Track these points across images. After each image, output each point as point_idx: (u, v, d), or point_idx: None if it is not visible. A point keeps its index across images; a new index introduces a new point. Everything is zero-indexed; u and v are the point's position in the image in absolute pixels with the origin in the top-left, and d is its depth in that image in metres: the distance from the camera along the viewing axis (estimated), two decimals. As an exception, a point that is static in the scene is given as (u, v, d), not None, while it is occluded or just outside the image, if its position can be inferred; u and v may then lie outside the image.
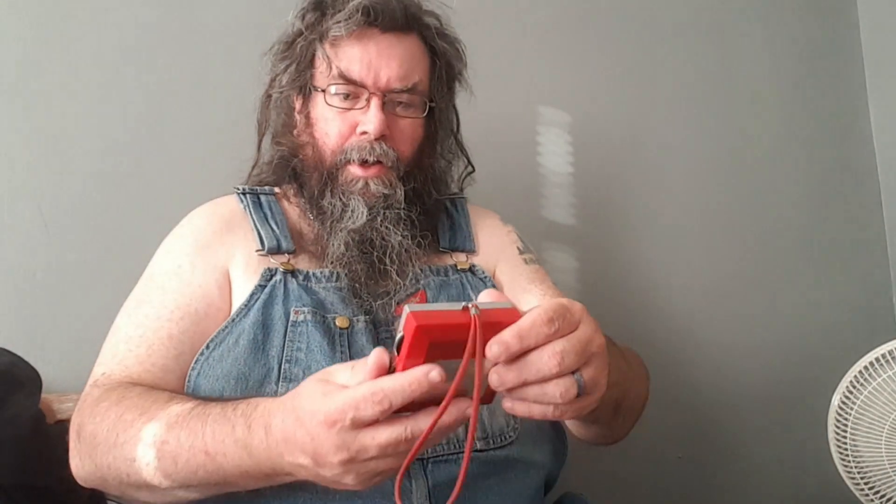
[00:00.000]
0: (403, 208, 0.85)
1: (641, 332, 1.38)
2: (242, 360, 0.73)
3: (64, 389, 1.02)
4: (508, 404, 0.50)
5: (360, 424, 0.48)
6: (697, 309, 1.45)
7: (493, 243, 0.95)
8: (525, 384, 0.48)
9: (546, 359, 0.48)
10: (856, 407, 1.17)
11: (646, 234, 1.45)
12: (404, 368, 0.47)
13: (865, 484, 1.17)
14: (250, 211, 0.87)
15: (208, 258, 0.82)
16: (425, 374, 0.46)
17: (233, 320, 0.77)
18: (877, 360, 1.16)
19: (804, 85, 1.59)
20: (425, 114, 0.88)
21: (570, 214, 1.39)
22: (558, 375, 0.48)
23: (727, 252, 1.49)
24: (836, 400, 1.19)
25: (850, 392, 1.18)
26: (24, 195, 1.14)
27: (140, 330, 0.77)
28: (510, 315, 0.49)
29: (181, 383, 0.76)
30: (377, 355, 0.49)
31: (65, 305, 1.12)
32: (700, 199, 1.49)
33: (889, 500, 1.16)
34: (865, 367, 1.17)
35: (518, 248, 0.95)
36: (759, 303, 1.49)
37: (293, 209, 0.91)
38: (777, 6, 1.59)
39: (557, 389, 0.48)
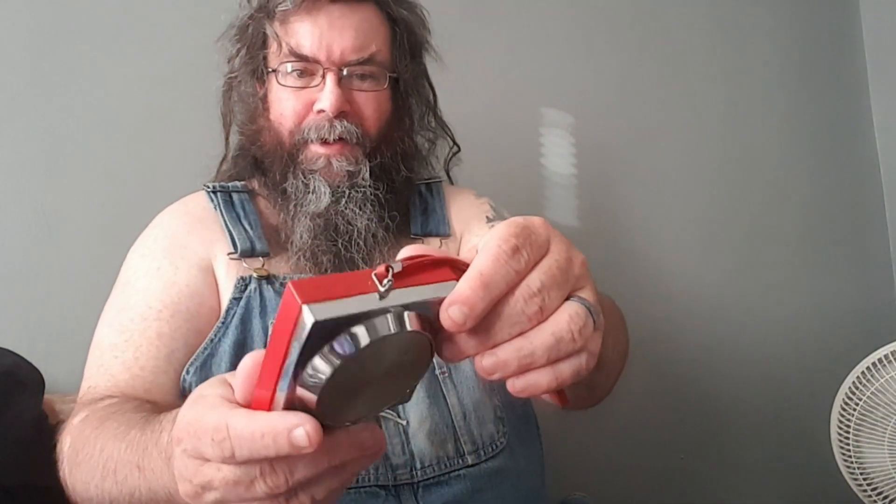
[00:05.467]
0: (370, 186, 0.79)
1: (643, 333, 1.38)
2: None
3: (66, 390, 1.02)
4: (520, 385, 0.33)
5: (201, 456, 0.35)
6: (700, 310, 1.45)
7: (464, 218, 0.89)
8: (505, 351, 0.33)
9: (521, 305, 0.32)
10: (858, 408, 1.17)
11: (648, 236, 1.45)
12: (268, 387, 0.32)
13: (868, 485, 1.17)
14: (221, 210, 0.81)
15: (189, 258, 0.76)
16: (286, 432, 0.31)
17: (211, 340, 0.73)
18: (879, 360, 1.16)
19: (807, 86, 1.59)
20: (387, 86, 0.81)
21: (573, 216, 1.39)
22: (543, 321, 0.33)
23: (730, 253, 1.49)
24: (838, 400, 1.19)
25: (853, 392, 1.17)
26: (26, 196, 1.14)
27: (125, 335, 0.72)
28: (442, 270, 0.33)
29: (175, 384, 0.71)
30: (246, 362, 0.34)
31: (67, 306, 1.12)
32: (703, 200, 1.49)
33: (892, 501, 1.15)
34: (868, 368, 1.16)
35: (487, 217, 0.88)
36: (762, 303, 1.49)
37: (265, 205, 0.85)
38: (780, 7, 1.59)
39: (564, 332, 0.33)
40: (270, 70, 0.80)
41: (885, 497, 1.16)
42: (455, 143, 0.98)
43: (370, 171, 0.79)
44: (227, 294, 0.75)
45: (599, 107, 1.45)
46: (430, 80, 0.92)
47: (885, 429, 1.15)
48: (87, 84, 1.19)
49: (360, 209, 0.78)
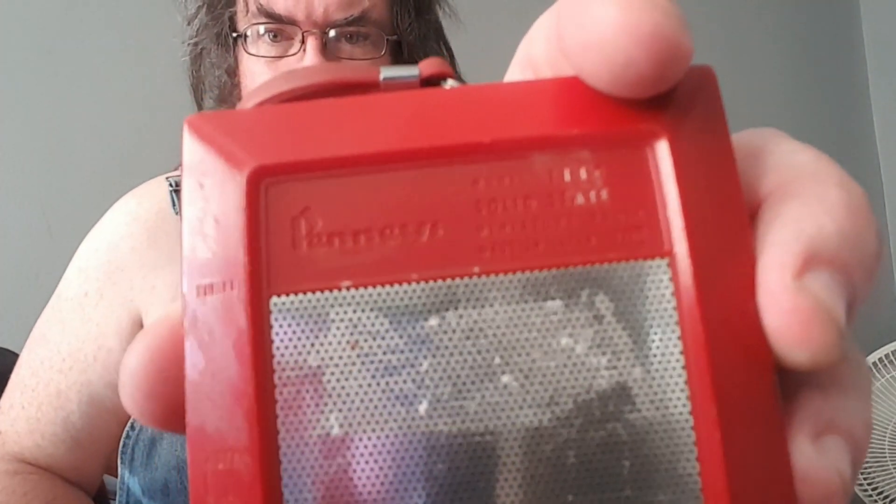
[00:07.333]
0: None
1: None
2: (180, 443, 0.56)
3: (66, 390, 1.02)
4: None
5: None
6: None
7: None
8: None
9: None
10: (859, 408, 1.17)
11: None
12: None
13: (868, 484, 1.17)
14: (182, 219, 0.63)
15: (120, 288, 0.63)
16: None
17: None
18: (880, 360, 1.16)
19: (807, 86, 1.59)
20: (386, 51, 0.64)
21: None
22: None
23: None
24: (838, 401, 1.19)
25: (853, 393, 1.18)
26: (27, 198, 1.14)
27: (34, 380, 0.62)
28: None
29: (75, 459, 0.60)
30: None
31: (67, 306, 1.13)
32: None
33: (892, 501, 1.15)
34: (868, 368, 1.17)
35: None
36: (762, 303, 1.49)
37: None
38: (780, 7, 1.59)
39: None
40: (237, 35, 0.64)
41: (886, 497, 1.16)
42: None
43: None
44: None
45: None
46: (447, 39, 0.75)
47: (886, 429, 1.15)
48: (89, 83, 1.19)
49: None
